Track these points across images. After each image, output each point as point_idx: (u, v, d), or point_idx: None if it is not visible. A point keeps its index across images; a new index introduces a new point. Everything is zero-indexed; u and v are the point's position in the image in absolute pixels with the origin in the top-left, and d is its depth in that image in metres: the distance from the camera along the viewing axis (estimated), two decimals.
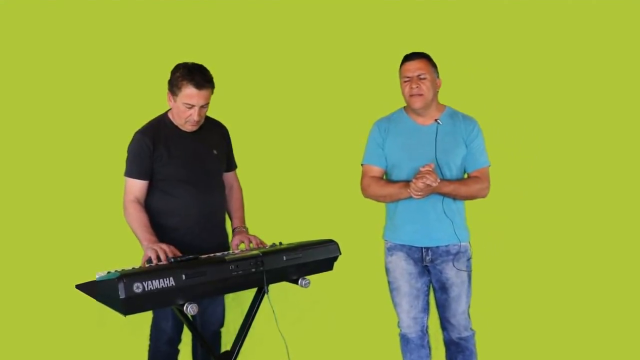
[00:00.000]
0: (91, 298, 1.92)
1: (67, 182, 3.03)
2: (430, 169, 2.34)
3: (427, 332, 2.60)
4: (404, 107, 2.60)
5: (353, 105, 3.26)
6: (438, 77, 2.53)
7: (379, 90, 3.21)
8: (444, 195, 2.45)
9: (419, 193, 2.36)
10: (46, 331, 3.00)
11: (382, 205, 2.70)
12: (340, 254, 2.36)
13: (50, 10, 3.05)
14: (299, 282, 2.24)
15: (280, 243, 2.35)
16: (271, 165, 3.20)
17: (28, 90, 3.04)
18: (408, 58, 2.51)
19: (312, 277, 2.28)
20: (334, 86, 3.29)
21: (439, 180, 2.33)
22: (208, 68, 2.35)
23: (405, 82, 2.49)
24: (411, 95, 2.47)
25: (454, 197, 2.49)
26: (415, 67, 2.46)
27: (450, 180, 2.46)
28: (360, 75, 3.28)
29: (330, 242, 2.35)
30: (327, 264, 2.35)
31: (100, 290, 1.86)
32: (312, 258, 2.26)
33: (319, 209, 3.22)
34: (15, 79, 3.02)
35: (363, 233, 3.10)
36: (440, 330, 2.66)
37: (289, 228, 2.63)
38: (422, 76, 2.45)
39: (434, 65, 2.52)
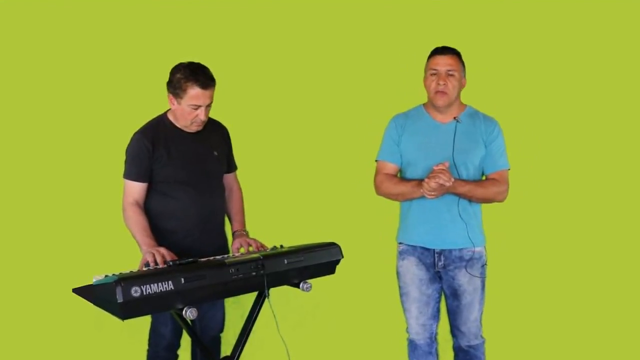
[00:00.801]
0: (88, 302, 1.91)
1: (64, 184, 3.03)
2: (444, 168, 2.28)
3: (435, 339, 2.58)
4: (424, 103, 2.56)
5: (358, 103, 3.25)
6: (464, 76, 2.47)
7: (383, 87, 3.22)
8: (459, 196, 2.39)
9: (432, 193, 2.30)
10: (42, 336, 2.99)
11: (384, 207, 2.70)
12: (343, 257, 2.35)
13: (45, 9, 3.04)
14: (301, 285, 2.23)
15: (282, 246, 2.34)
16: (272, 167, 3.19)
17: (23, 90, 3.04)
18: (439, 51, 2.43)
19: (313, 281, 2.26)
20: (338, 83, 3.26)
21: (453, 180, 2.27)
22: (206, 66, 2.33)
23: (432, 75, 2.42)
24: (437, 92, 2.41)
25: (470, 199, 2.43)
26: (445, 62, 2.39)
27: (466, 181, 2.40)
28: (365, 72, 3.26)
29: (333, 245, 2.34)
30: (329, 267, 2.34)
31: (98, 294, 1.85)
32: (314, 261, 2.25)
33: (321, 211, 3.21)
34: (9, 79, 3.02)
35: (366, 236, 3.10)
36: (449, 337, 2.63)
37: (291, 231, 2.62)
38: (451, 72, 2.39)
39: (463, 64, 2.46)
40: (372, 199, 2.65)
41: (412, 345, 2.57)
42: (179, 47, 2.96)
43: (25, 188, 3.02)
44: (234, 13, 3.22)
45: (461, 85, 2.46)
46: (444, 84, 2.38)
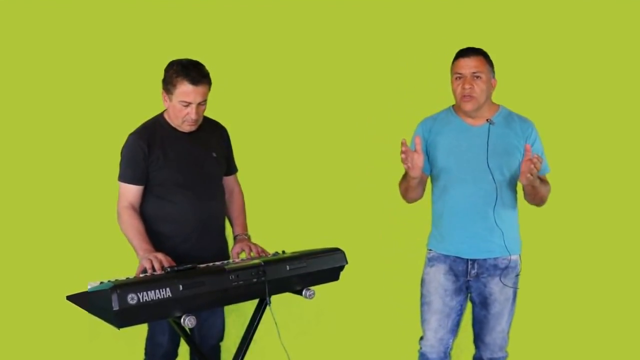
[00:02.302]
0: (83, 310, 1.90)
1: (57, 187, 3.02)
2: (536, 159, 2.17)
3: (449, 354, 2.53)
4: (453, 105, 2.51)
5: (363, 102, 3.24)
6: (494, 76, 2.41)
7: (389, 89, 3.21)
8: (531, 188, 2.33)
9: (531, 177, 2.21)
10: (34, 346, 2.98)
11: (390, 211, 2.68)
12: (347, 263, 2.34)
13: (39, 7, 3.04)
14: (303, 293, 2.22)
15: (284, 252, 2.34)
16: (274, 168, 3.19)
17: (17, 90, 3.03)
18: (463, 54, 2.38)
19: (317, 288, 2.25)
20: (342, 81, 3.25)
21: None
22: (205, 64, 2.33)
23: (457, 79, 2.37)
24: (463, 96, 2.35)
25: (533, 196, 2.38)
26: (470, 65, 2.34)
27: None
28: (374, 72, 3.26)
29: (337, 251, 2.33)
30: (333, 274, 2.33)
31: (93, 301, 1.85)
32: (317, 267, 2.24)
33: (324, 215, 3.21)
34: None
35: (371, 241, 3.09)
36: (462, 350, 2.59)
37: (293, 236, 2.62)
38: (477, 74, 2.33)
39: (491, 64, 2.40)
40: (377, 202, 2.64)
41: (423, 359, 2.53)
42: (176, 45, 2.95)
43: (15, 191, 3.01)
44: (237, 11, 3.22)
45: (490, 87, 2.39)
46: (470, 88, 2.34)
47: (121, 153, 2.38)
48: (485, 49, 2.42)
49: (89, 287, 1.87)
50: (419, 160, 2.29)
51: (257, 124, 3.18)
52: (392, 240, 3.10)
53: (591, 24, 3.21)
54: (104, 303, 1.75)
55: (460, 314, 2.50)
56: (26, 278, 2.97)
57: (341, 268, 2.34)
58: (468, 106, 2.37)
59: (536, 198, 2.41)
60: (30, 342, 2.97)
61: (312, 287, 2.23)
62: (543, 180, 2.43)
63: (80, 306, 1.90)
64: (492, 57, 2.42)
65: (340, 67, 3.25)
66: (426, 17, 3.23)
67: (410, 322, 2.66)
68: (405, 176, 2.43)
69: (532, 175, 2.20)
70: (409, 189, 2.45)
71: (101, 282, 1.86)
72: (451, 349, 2.54)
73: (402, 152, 2.24)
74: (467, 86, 2.34)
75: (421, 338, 2.54)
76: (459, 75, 2.37)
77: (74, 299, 1.91)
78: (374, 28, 3.26)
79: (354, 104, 3.26)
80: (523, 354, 2.74)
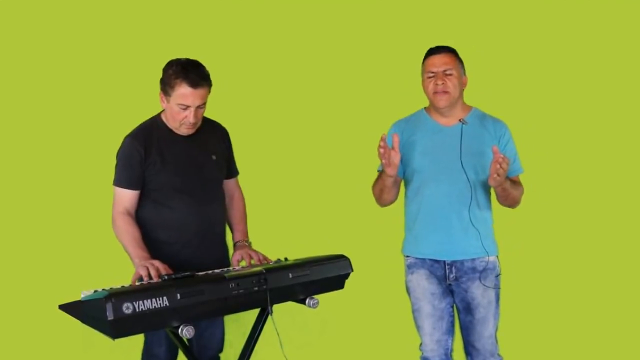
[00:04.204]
0: (76, 320, 1.89)
1: (50, 191, 3.03)
2: (502, 159, 2.24)
3: (451, 355, 2.57)
4: (425, 107, 2.59)
5: (367, 106, 3.29)
6: (464, 74, 2.50)
7: (393, 90, 3.24)
8: (502, 190, 2.40)
9: (499, 178, 2.28)
10: (27, 357, 2.96)
11: (396, 217, 2.68)
12: (352, 270, 2.33)
13: (34, 5, 3.05)
14: (307, 302, 2.21)
15: (286, 259, 2.33)
16: (276, 173, 3.21)
17: (7, 89, 3.03)
18: (433, 52, 2.47)
19: (321, 297, 2.24)
20: (346, 85, 3.31)
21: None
22: (205, 64, 2.32)
23: (429, 77, 2.46)
24: (435, 93, 2.44)
25: (505, 197, 2.45)
26: (441, 62, 2.43)
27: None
28: (373, 74, 3.30)
29: (341, 258, 2.33)
30: (337, 282, 2.33)
31: (86, 311, 1.84)
32: (321, 275, 2.24)
33: (329, 221, 3.24)
34: None
35: (377, 247, 3.10)
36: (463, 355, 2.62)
37: (296, 242, 2.63)
38: (448, 72, 2.42)
39: (461, 61, 2.49)
40: (383, 208, 2.64)
41: None
42: (175, 43, 2.97)
43: (5, 193, 3.01)
44: (238, 12, 3.24)
45: (462, 84, 2.49)
46: (443, 83, 2.42)
47: (116, 156, 2.38)
48: (456, 48, 2.49)
49: (82, 295, 1.87)
50: (395, 158, 2.34)
51: (257, 125, 3.19)
52: (397, 246, 3.10)
53: (566, 22, 3.30)
54: (98, 312, 1.74)
55: (452, 314, 2.55)
56: (16, 286, 2.96)
57: (346, 276, 2.34)
58: (442, 102, 2.44)
59: (508, 199, 2.47)
60: (21, 354, 2.97)
61: (315, 296, 2.23)
62: (515, 182, 2.51)
63: (73, 316, 1.89)
64: (463, 58, 2.49)
65: (347, 68, 3.29)
66: (402, 19, 3.31)
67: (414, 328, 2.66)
68: (380, 177, 2.49)
69: (499, 176, 2.27)
70: (384, 189, 2.50)
71: (95, 291, 1.85)
72: (452, 350, 2.57)
73: (380, 147, 2.30)
74: (439, 82, 2.41)
75: (420, 344, 2.58)
76: (431, 73, 2.45)
77: (66, 308, 1.89)
78: (383, 25, 3.31)
79: (360, 108, 3.29)
80: (518, 356, 2.77)
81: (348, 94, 3.30)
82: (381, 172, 2.45)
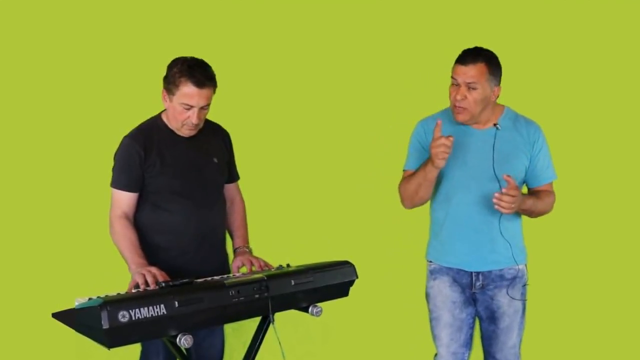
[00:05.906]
0: (70, 329, 1.89)
1: (44, 193, 3.04)
2: (513, 186, 2.19)
3: None
4: None
5: (371, 107, 3.29)
6: (498, 84, 2.34)
7: (397, 95, 3.24)
8: (522, 211, 2.36)
9: (512, 206, 2.21)
10: None
11: (402, 221, 2.67)
12: (357, 277, 2.33)
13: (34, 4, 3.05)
14: (310, 309, 2.21)
15: (288, 265, 2.33)
16: (278, 177, 3.22)
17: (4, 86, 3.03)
18: (463, 59, 2.31)
19: (324, 304, 2.24)
20: (349, 87, 3.30)
21: (518, 198, 2.21)
22: (209, 64, 2.31)
23: (453, 85, 2.33)
24: (455, 107, 2.34)
25: (529, 214, 2.41)
26: (466, 74, 2.28)
27: (526, 195, 2.36)
28: (377, 79, 3.30)
29: (346, 264, 2.32)
30: (341, 289, 2.32)
31: (81, 319, 1.83)
32: (325, 282, 2.23)
33: (332, 226, 3.24)
34: None
35: (383, 254, 3.08)
36: None
37: (299, 248, 2.63)
38: (472, 85, 2.28)
39: (494, 71, 2.31)
40: (389, 212, 2.66)
41: None
42: (176, 42, 2.98)
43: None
44: (241, 13, 3.25)
45: (489, 97, 2.33)
46: (463, 99, 2.30)
47: (114, 157, 2.37)
48: (490, 48, 2.36)
49: (76, 303, 1.86)
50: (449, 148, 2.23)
51: (259, 129, 3.20)
52: (403, 252, 3.09)
53: (596, 24, 3.27)
54: (93, 321, 1.73)
55: (472, 326, 2.51)
56: (7, 293, 2.95)
57: (351, 283, 2.33)
58: (459, 117, 2.36)
59: (533, 215, 2.43)
60: None
61: (319, 304, 2.22)
62: (539, 195, 2.42)
63: (67, 324, 1.88)
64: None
65: (350, 73, 3.29)
66: (430, 17, 3.28)
67: (426, 337, 2.63)
68: (419, 173, 2.35)
69: (503, 208, 2.20)
70: (423, 185, 2.35)
71: (90, 298, 1.84)
72: None
73: (435, 138, 2.20)
74: (459, 97, 2.30)
75: (435, 355, 2.54)
76: (455, 80, 2.33)
77: (60, 316, 1.88)
78: (385, 34, 3.30)
79: (363, 111, 3.31)
80: None
81: (352, 97, 3.31)
82: (423, 166, 2.32)
